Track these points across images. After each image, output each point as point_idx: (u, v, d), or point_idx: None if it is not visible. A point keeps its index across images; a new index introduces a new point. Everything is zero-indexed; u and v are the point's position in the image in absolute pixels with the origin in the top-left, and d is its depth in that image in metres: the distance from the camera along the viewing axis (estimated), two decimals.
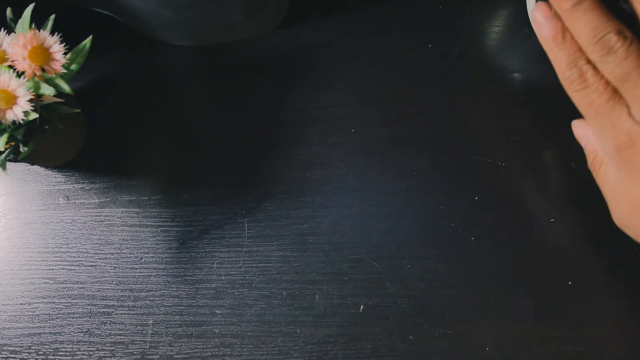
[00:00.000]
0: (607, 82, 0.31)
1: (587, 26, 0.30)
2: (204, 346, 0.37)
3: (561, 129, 0.41)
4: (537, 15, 0.32)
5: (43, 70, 0.32)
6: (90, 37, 0.34)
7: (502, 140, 0.40)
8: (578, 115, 0.41)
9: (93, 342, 0.38)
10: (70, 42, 0.33)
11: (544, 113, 0.41)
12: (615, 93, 0.31)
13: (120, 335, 0.38)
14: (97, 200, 0.41)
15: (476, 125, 0.41)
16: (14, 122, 0.31)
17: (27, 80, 0.31)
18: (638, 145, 0.30)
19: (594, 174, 0.34)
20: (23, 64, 0.31)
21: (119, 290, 0.39)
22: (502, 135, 0.40)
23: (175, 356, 0.37)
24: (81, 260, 0.39)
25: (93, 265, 0.39)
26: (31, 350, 0.38)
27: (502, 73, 0.42)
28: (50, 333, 0.38)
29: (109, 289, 0.39)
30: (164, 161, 0.40)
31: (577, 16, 0.30)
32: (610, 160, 0.32)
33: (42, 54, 0.31)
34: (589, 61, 0.31)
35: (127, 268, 0.39)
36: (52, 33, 0.32)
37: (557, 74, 0.33)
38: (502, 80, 0.42)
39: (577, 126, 0.36)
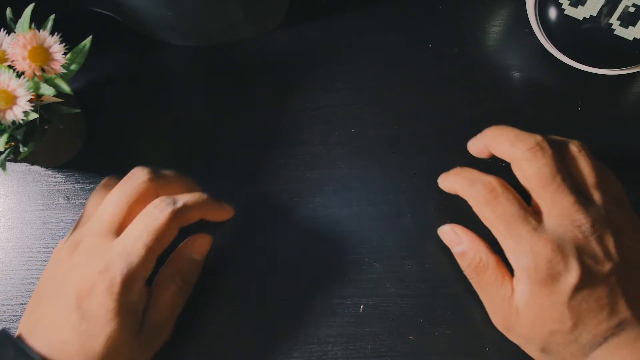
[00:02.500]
0: (517, 195, 0.32)
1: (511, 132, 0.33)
2: (203, 346, 0.37)
3: (561, 129, 0.41)
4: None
5: (43, 70, 0.32)
6: (90, 37, 0.34)
7: None
8: (581, 119, 0.41)
9: None
10: (70, 42, 0.33)
11: (544, 113, 0.41)
12: (523, 202, 0.32)
13: None
14: None
15: (476, 125, 0.41)
16: (13, 122, 0.31)
17: (27, 80, 0.31)
18: (562, 254, 0.30)
19: (478, 279, 0.34)
20: (23, 64, 0.31)
21: None
22: None
23: (173, 356, 0.37)
24: None
25: None
26: None
27: (502, 73, 0.42)
28: None
29: None
30: (164, 161, 0.40)
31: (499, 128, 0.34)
32: (523, 274, 0.31)
33: (42, 54, 0.31)
34: (490, 176, 0.33)
35: None
36: (52, 33, 0.32)
37: (462, 196, 0.34)
38: (502, 80, 0.42)
39: (448, 232, 0.35)
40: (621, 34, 0.37)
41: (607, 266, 0.30)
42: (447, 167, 0.37)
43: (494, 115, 0.41)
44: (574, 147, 0.33)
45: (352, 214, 0.39)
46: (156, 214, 0.32)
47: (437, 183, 0.37)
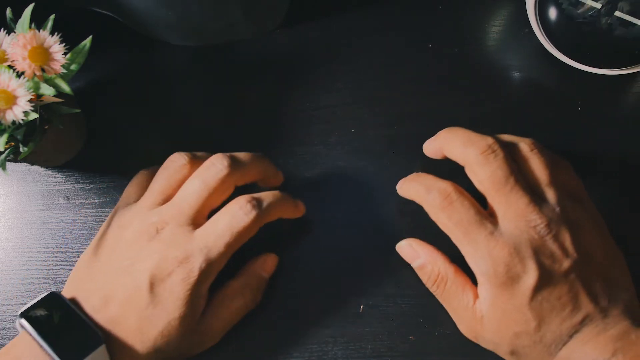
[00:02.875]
0: (470, 196, 0.32)
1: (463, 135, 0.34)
2: None
3: (561, 129, 0.41)
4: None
5: (43, 70, 0.32)
6: (90, 37, 0.34)
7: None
8: (579, 118, 0.41)
9: None
10: (70, 42, 0.33)
11: (544, 113, 0.41)
12: (479, 206, 0.32)
13: None
14: (97, 200, 0.41)
15: (476, 125, 0.41)
16: (13, 122, 0.31)
17: (27, 80, 0.31)
18: (519, 256, 0.30)
19: (439, 291, 0.34)
20: (23, 64, 0.31)
21: None
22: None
23: None
24: None
25: None
26: None
27: (502, 73, 0.42)
28: None
29: None
30: (164, 161, 0.40)
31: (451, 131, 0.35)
32: (483, 279, 0.31)
33: (42, 54, 0.31)
34: (446, 182, 0.33)
35: None
36: (52, 33, 0.32)
37: (418, 202, 0.34)
38: (502, 80, 0.42)
39: (405, 247, 0.36)
40: (621, 34, 0.37)
41: (565, 264, 0.30)
42: (446, 167, 0.37)
43: (494, 115, 0.41)
44: (526, 146, 0.34)
45: (352, 214, 0.39)
46: (241, 215, 0.33)
47: None
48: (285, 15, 0.44)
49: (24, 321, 0.32)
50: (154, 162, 0.40)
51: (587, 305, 0.30)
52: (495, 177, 0.32)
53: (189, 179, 0.35)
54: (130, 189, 0.38)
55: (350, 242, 0.38)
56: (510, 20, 0.44)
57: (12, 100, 0.30)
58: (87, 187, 0.41)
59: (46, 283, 0.39)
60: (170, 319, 0.32)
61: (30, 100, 0.31)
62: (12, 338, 0.32)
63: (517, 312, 0.31)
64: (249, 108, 0.42)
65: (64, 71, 0.32)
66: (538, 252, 0.30)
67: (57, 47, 0.32)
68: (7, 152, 0.34)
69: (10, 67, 0.32)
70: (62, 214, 0.40)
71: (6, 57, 0.32)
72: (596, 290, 0.31)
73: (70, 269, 0.39)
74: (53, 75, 0.32)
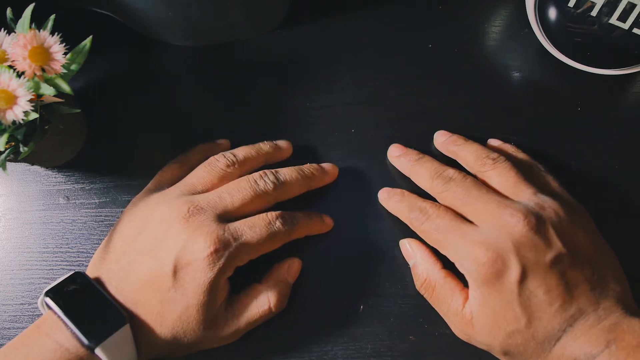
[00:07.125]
0: (447, 207, 0.34)
1: (428, 170, 0.36)
2: None
3: (561, 129, 0.41)
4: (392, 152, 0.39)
5: (43, 70, 0.32)
6: (90, 37, 0.34)
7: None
8: (579, 118, 0.41)
9: None
10: (70, 42, 0.33)
11: (544, 113, 0.41)
12: (456, 215, 0.34)
13: None
14: (97, 200, 0.41)
15: (476, 125, 0.41)
16: (14, 122, 0.31)
17: (27, 80, 0.31)
18: (499, 251, 0.31)
19: (428, 295, 0.35)
20: (23, 64, 0.31)
21: None
22: (502, 135, 0.40)
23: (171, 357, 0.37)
24: (81, 260, 0.39)
25: None
26: None
27: (502, 73, 0.42)
28: None
29: None
30: (164, 161, 0.40)
31: (420, 165, 0.37)
32: (470, 278, 0.32)
33: (42, 54, 0.31)
34: (425, 201, 0.36)
35: None
36: (52, 33, 0.32)
37: (404, 221, 0.37)
38: (502, 80, 0.42)
39: (405, 244, 0.37)
40: (621, 34, 0.37)
41: (549, 255, 0.31)
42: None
43: (494, 115, 0.41)
44: (489, 160, 0.36)
45: (352, 214, 0.39)
46: (277, 226, 0.35)
47: None
48: (285, 15, 0.44)
49: (49, 300, 0.32)
50: (154, 162, 0.40)
51: (577, 299, 0.30)
52: (455, 198, 0.34)
53: (238, 180, 0.36)
54: (161, 177, 0.38)
55: (351, 242, 0.38)
56: (510, 20, 0.44)
57: (12, 100, 0.30)
58: (87, 187, 0.41)
59: (46, 283, 0.39)
60: (188, 305, 0.32)
61: (30, 100, 0.31)
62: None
63: (507, 309, 0.31)
64: (249, 108, 0.42)
65: (64, 71, 0.32)
66: (519, 246, 0.31)
67: (57, 47, 0.32)
68: (7, 152, 0.34)
69: (10, 67, 0.32)
70: (62, 214, 0.40)
71: (6, 57, 0.32)
72: (586, 283, 0.31)
73: (70, 269, 0.39)
74: (53, 75, 0.32)
